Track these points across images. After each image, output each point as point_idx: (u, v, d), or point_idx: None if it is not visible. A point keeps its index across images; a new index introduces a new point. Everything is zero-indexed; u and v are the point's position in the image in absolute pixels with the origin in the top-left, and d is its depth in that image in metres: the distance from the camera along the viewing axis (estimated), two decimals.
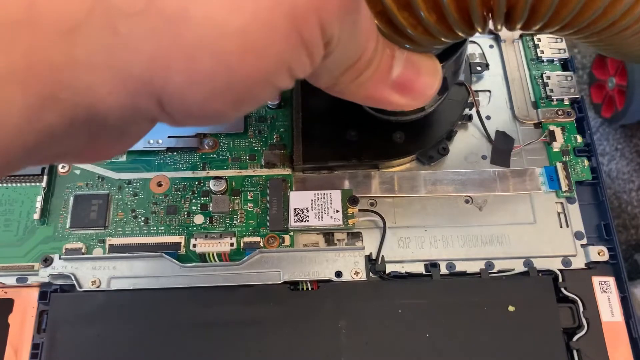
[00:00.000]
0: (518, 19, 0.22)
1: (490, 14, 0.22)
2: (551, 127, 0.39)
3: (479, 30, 0.23)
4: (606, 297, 0.33)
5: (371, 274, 0.34)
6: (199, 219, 0.36)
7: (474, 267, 0.34)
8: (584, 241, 0.35)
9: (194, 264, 0.33)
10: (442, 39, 0.23)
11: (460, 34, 0.23)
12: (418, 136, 0.37)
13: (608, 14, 0.21)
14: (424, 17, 0.21)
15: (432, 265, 0.34)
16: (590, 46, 0.26)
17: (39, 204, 0.35)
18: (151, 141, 0.37)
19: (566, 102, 0.40)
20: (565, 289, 0.33)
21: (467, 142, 0.39)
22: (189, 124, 0.16)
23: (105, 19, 0.13)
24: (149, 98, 0.14)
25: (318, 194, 0.35)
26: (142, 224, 0.35)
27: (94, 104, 0.14)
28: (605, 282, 0.34)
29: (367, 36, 0.18)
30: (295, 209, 0.35)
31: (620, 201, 0.85)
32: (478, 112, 0.38)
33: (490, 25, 0.23)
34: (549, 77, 0.40)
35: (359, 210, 0.35)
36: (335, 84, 0.19)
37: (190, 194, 0.36)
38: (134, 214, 0.36)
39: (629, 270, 0.76)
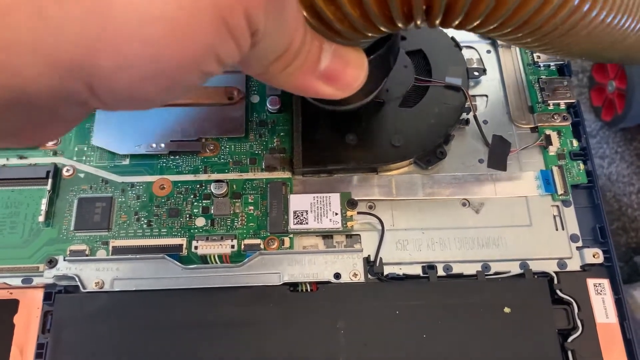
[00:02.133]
0: (436, 15, 0.23)
1: (409, 11, 0.23)
2: (547, 131, 0.39)
3: (401, 26, 0.23)
4: (600, 299, 0.34)
5: (369, 276, 0.34)
6: (200, 222, 0.36)
7: (471, 269, 0.35)
8: (579, 244, 0.36)
9: (195, 265, 0.34)
10: (368, 34, 0.23)
11: (383, 29, 0.23)
12: (416, 140, 0.37)
13: (543, 11, 0.22)
14: (348, 12, 0.22)
15: (430, 267, 0.35)
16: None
17: (44, 207, 0.36)
18: (154, 145, 0.38)
19: (562, 106, 0.40)
20: (561, 290, 0.34)
21: (464, 146, 0.39)
22: (120, 107, 0.17)
23: (33, 3, 0.13)
24: (78, 81, 0.14)
25: (317, 197, 0.36)
26: (144, 226, 0.36)
27: (24, 87, 0.14)
28: (599, 284, 0.34)
29: (294, 27, 0.19)
30: (295, 212, 0.35)
31: (620, 204, 0.85)
32: (475, 117, 0.39)
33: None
34: (545, 82, 0.41)
35: (358, 213, 0.36)
36: (265, 73, 0.20)
37: (192, 196, 0.37)
38: (136, 216, 0.36)
39: (629, 273, 0.76)
